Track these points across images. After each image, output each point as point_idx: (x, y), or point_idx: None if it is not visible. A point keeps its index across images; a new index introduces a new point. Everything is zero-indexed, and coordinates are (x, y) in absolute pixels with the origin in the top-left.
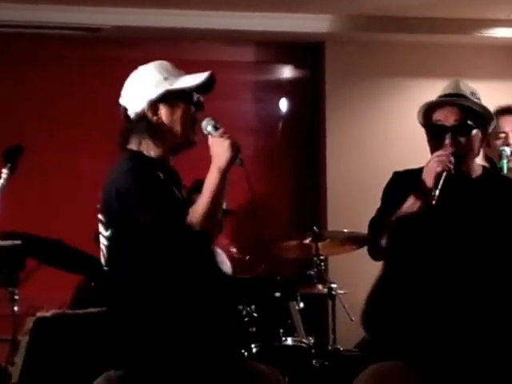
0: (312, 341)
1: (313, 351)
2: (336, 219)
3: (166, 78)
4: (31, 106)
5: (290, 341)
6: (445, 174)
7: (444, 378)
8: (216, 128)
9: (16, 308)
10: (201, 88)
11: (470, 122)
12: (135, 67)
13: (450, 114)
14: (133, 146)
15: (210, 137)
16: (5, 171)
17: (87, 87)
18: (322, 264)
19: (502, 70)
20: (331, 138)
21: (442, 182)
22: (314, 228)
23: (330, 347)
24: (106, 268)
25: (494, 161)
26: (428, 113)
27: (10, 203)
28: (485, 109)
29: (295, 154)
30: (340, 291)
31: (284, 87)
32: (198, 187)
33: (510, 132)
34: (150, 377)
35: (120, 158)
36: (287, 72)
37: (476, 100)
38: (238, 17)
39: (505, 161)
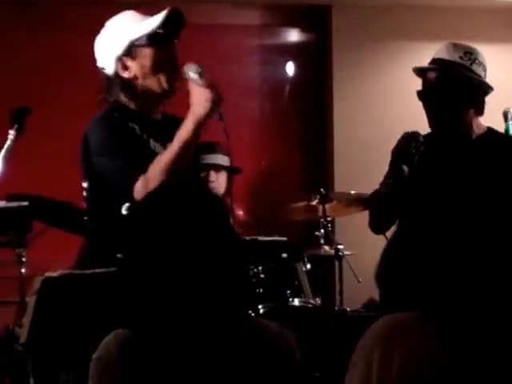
0: (319, 302)
1: (319, 312)
2: (343, 180)
3: (128, 30)
4: (37, 68)
5: (296, 302)
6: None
7: (460, 328)
8: (200, 75)
9: (23, 270)
10: (166, 28)
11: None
12: None
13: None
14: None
15: (192, 83)
16: (12, 132)
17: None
18: (329, 225)
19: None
20: (338, 100)
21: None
22: (321, 189)
23: (336, 308)
24: (85, 218)
25: None
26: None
27: (17, 165)
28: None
29: (302, 116)
30: (347, 252)
31: (291, 51)
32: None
33: None
34: (159, 335)
35: None
36: (294, 35)
37: (464, 62)
38: None
39: (510, 122)
